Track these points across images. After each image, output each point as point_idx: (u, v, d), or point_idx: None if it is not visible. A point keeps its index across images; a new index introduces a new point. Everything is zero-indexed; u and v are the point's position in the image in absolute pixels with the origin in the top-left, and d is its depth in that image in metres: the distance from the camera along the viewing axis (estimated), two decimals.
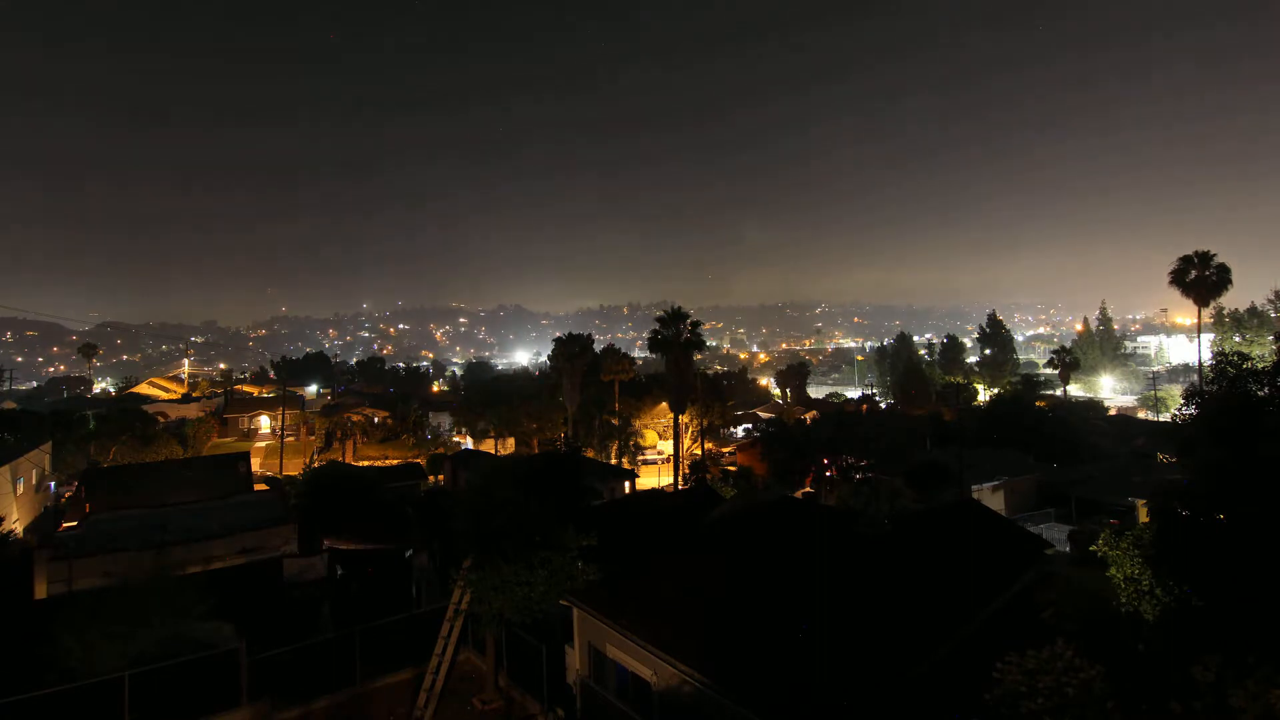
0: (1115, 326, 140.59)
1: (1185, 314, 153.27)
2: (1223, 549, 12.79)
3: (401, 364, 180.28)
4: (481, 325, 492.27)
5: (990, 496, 38.34)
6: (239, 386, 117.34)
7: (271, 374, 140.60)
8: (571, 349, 61.64)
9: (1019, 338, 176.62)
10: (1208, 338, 76.23)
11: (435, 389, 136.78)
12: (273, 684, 17.54)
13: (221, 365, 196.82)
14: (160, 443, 52.79)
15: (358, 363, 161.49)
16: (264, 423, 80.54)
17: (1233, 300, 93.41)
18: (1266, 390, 14.73)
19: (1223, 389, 15.24)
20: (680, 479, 47.81)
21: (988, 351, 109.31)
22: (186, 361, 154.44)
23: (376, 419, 70.44)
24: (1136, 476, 37.57)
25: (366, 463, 56.95)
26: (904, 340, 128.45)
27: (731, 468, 53.54)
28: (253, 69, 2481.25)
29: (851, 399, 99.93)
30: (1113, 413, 78.89)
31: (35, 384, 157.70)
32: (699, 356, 61.51)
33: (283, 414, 62.86)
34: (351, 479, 32.44)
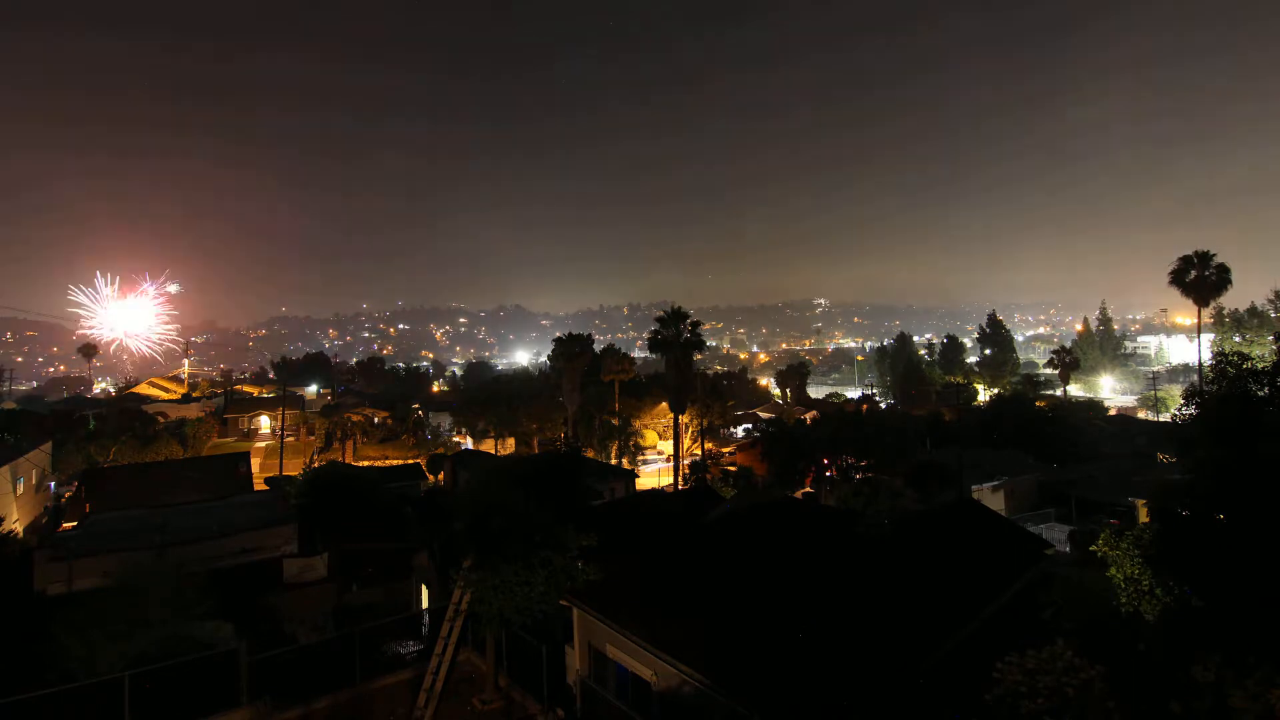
0: (1115, 326, 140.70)
1: (1185, 314, 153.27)
2: (1223, 549, 12.77)
3: (401, 364, 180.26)
4: (481, 325, 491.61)
5: (990, 496, 38.34)
6: (239, 387, 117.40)
7: (271, 374, 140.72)
8: (571, 349, 61.69)
9: (1019, 338, 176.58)
10: (1208, 338, 76.19)
11: (435, 389, 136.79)
12: (273, 684, 17.52)
13: (222, 365, 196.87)
14: (160, 443, 52.84)
15: (358, 363, 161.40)
16: (264, 423, 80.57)
17: (1233, 300, 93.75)
18: (1266, 390, 14.70)
19: (1223, 389, 15.20)
20: (680, 479, 47.81)
21: (988, 351, 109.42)
22: (186, 362, 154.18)
23: (376, 419, 70.47)
24: (1136, 476, 37.55)
25: (366, 463, 57.00)
26: (904, 340, 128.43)
27: (731, 468, 53.47)
28: (254, 68, 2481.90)
29: (851, 399, 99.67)
30: (1113, 413, 78.85)
31: (35, 384, 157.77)
32: (699, 356, 61.45)
33: (283, 414, 62.79)
34: (351, 479, 32.43)
